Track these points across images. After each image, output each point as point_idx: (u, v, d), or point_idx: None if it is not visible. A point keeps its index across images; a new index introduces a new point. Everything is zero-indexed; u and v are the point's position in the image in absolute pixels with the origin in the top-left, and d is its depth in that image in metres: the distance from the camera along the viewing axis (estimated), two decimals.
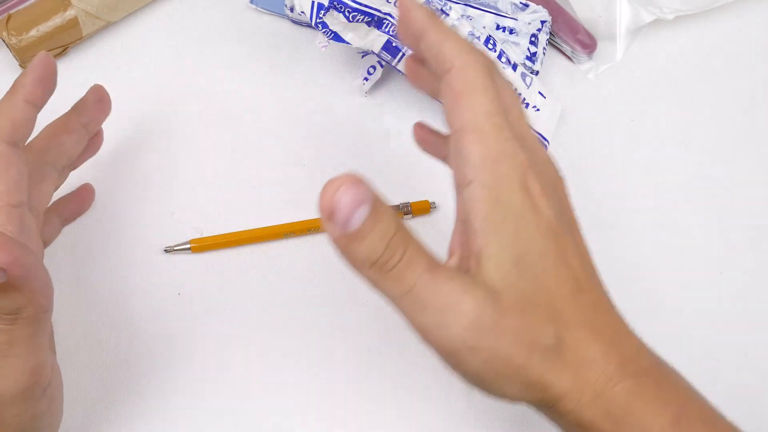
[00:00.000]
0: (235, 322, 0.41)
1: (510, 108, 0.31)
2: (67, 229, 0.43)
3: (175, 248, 0.43)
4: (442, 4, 0.45)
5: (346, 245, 0.27)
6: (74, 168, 0.42)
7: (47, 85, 0.35)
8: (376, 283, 0.28)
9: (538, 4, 0.50)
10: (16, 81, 0.35)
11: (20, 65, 0.47)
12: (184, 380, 0.40)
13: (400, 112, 0.49)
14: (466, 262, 0.29)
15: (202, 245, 0.43)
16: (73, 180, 0.45)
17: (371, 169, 0.46)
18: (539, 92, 0.47)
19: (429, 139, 0.38)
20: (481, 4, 0.48)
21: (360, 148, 0.47)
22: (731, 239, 0.46)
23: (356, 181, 0.26)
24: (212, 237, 0.43)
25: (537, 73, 0.48)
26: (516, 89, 0.33)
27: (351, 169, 0.46)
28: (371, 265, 0.27)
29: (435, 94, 0.35)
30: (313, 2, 0.43)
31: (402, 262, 0.27)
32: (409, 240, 0.28)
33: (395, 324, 0.42)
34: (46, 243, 0.41)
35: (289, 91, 0.49)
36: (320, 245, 0.44)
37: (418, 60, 0.35)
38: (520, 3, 0.49)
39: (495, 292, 0.28)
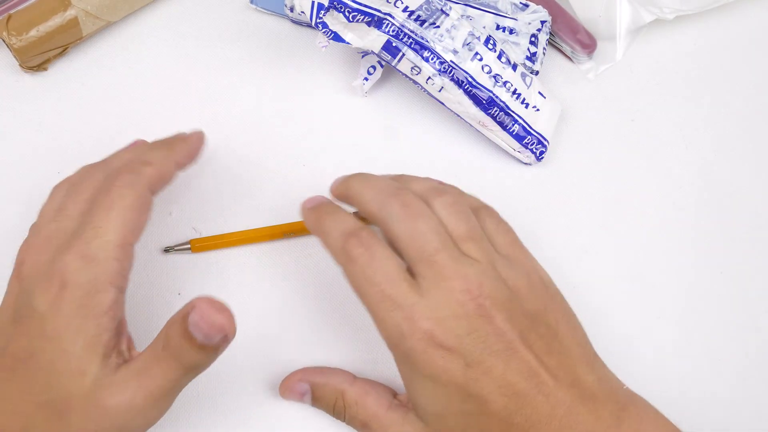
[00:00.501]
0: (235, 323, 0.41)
1: (413, 259, 0.34)
2: None
3: (175, 248, 0.43)
4: (442, 4, 0.45)
5: (314, 406, 0.39)
6: None
7: (193, 157, 0.40)
8: (342, 422, 0.38)
9: (538, 4, 0.50)
10: (174, 141, 0.39)
11: (20, 65, 0.47)
12: None
13: (400, 112, 0.49)
14: (408, 401, 0.36)
15: (202, 245, 0.43)
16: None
17: (371, 169, 0.46)
18: (539, 92, 0.47)
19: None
20: (481, 4, 0.48)
21: (360, 148, 0.47)
22: (731, 239, 0.46)
23: (296, 378, 0.39)
24: (212, 237, 0.43)
25: (537, 73, 0.48)
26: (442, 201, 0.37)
27: (351, 168, 0.47)
28: (331, 414, 0.38)
29: None
30: (313, 2, 0.43)
31: (346, 420, 0.37)
32: (346, 406, 0.37)
33: None
34: None
35: (288, 91, 0.49)
36: (320, 245, 0.44)
37: None
38: (520, 3, 0.49)
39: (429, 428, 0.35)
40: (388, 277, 0.34)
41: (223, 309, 0.32)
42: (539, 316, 0.35)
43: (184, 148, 0.38)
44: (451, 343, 0.33)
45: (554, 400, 0.33)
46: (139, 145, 0.41)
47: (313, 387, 0.38)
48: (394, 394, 0.38)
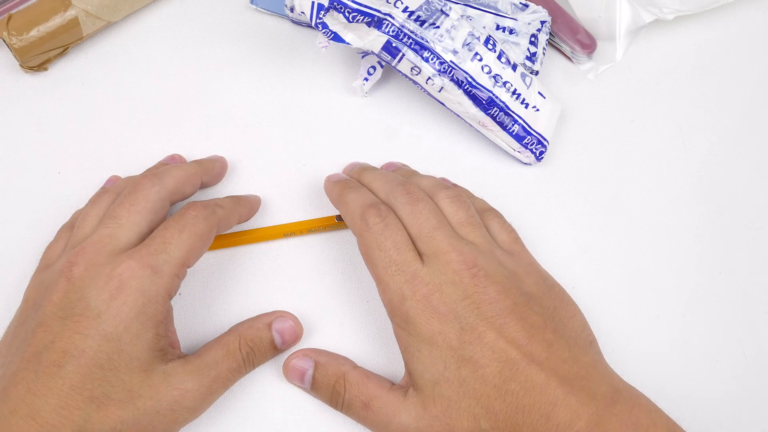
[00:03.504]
0: (235, 322, 0.41)
1: (417, 235, 0.38)
2: None
3: None
4: (442, 4, 0.45)
5: (310, 393, 0.39)
6: None
7: (218, 180, 0.45)
8: (338, 410, 0.38)
9: (537, 5, 0.50)
10: (241, 198, 0.42)
11: (21, 65, 0.47)
12: None
13: (400, 112, 0.49)
14: (407, 381, 0.37)
15: None
16: (77, 180, 0.45)
17: None
18: (539, 92, 0.47)
19: None
20: (481, 4, 0.48)
21: (360, 148, 0.47)
22: (731, 239, 0.46)
23: (301, 355, 0.39)
24: None
25: (537, 73, 0.48)
26: (440, 192, 0.41)
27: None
28: (328, 403, 0.38)
29: None
30: (313, 2, 0.43)
31: (344, 402, 0.37)
32: (346, 386, 0.37)
33: None
34: None
35: (289, 91, 0.49)
36: (320, 245, 0.44)
37: None
38: (520, 3, 0.49)
39: (423, 408, 0.35)
40: (397, 245, 0.37)
41: (300, 328, 0.40)
42: (536, 298, 0.37)
43: (247, 206, 0.42)
44: (446, 307, 0.35)
45: (549, 371, 0.34)
46: (177, 160, 0.45)
47: (316, 365, 0.39)
48: (392, 383, 0.38)
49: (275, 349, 0.39)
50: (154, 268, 0.35)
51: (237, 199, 0.42)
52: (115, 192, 0.40)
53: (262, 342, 0.39)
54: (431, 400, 0.35)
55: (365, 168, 0.44)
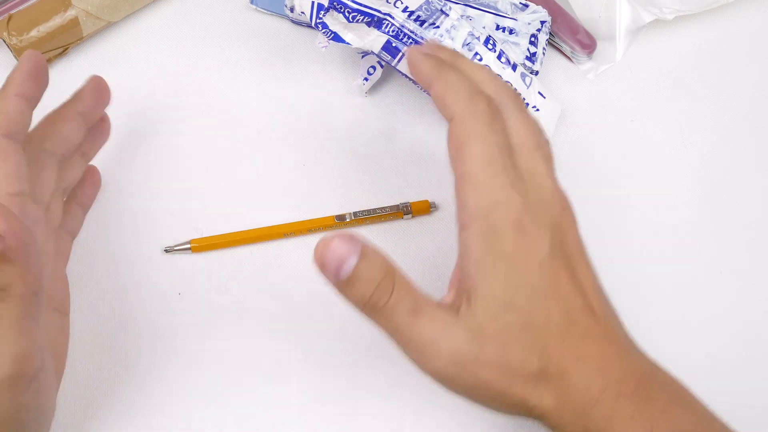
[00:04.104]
0: (235, 322, 0.41)
1: (519, 146, 0.34)
2: None
3: (175, 248, 0.43)
4: (442, 4, 0.45)
5: (341, 289, 0.32)
6: (88, 158, 0.43)
7: (37, 79, 0.36)
8: (371, 318, 0.32)
9: (537, 5, 0.50)
10: (7, 78, 0.36)
11: None
12: (184, 380, 0.40)
13: (400, 112, 0.49)
14: (459, 299, 0.32)
15: (202, 245, 0.43)
16: None
17: (371, 169, 0.46)
18: (539, 92, 0.47)
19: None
20: (480, 4, 0.48)
21: (360, 148, 0.47)
22: (731, 239, 0.46)
23: (345, 236, 0.31)
24: (212, 237, 0.43)
25: (537, 73, 0.48)
26: (537, 121, 0.37)
27: (351, 168, 0.47)
28: (363, 305, 0.32)
29: None
30: (313, 2, 0.43)
31: (388, 304, 0.31)
32: (395, 285, 0.32)
33: None
34: (72, 234, 0.42)
35: (289, 91, 0.49)
36: (319, 246, 0.44)
37: None
38: (520, 3, 0.49)
39: (479, 328, 0.31)
40: (501, 145, 0.33)
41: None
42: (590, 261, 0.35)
43: (16, 76, 0.36)
44: (534, 230, 0.32)
45: (605, 328, 0.33)
46: (95, 80, 0.41)
47: (362, 255, 0.31)
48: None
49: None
50: None
51: (5, 82, 0.36)
52: None
53: None
54: (491, 323, 0.31)
55: (459, 54, 0.37)
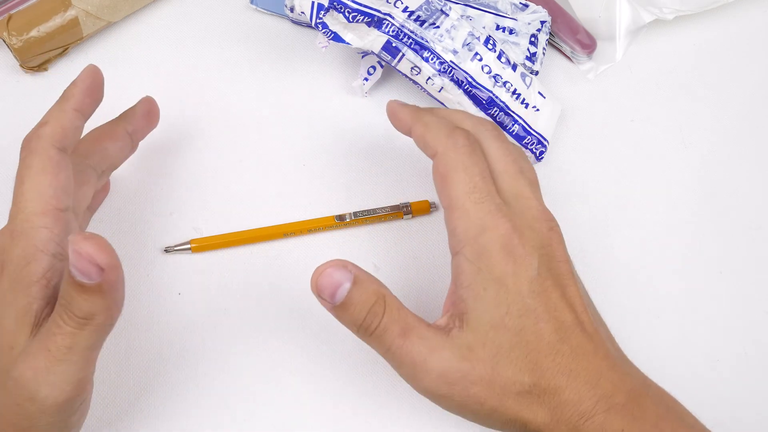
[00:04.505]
0: (235, 322, 0.41)
1: (502, 172, 0.36)
2: None
3: (175, 248, 0.43)
4: (442, 4, 0.45)
5: (336, 314, 0.34)
6: (92, 212, 0.43)
7: (95, 95, 0.37)
8: (364, 340, 0.34)
9: (537, 5, 0.50)
10: (65, 90, 0.36)
11: (21, 65, 0.47)
12: (184, 380, 0.40)
13: None
14: (452, 322, 0.34)
15: (202, 245, 0.43)
16: None
17: (371, 169, 0.46)
18: (539, 92, 0.47)
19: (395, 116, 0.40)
20: (480, 4, 0.48)
21: (360, 148, 0.47)
22: (731, 239, 0.46)
23: (339, 264, 0.33)
24: (212, 237, 0.43)
25: (537, 73, 0.48)
26: (520, 147, 0.39)
27: (351, 168, 0.47)
28: (357, 328, 0.34)
29: None
30: (313, 2, 0.43)
31: (379, 328, 0.33)
32: (386, 308, 0.33)
33: None
34: None
35: (289, 91, 0.49)
36: (320, 245, 0.44)
37: None
38: (520, 3, 0.49)
39: (469, 349, 0.33)
40: (483, 173, 0.35)
41: (92, 238, 0.29)
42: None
43: (77, 92, 0.36)
44: (523, 251, 0.33)
45: (597, 343, 0.34)
46: (147, 100, 0.42)
47: (355, 280, 0.33)
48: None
49: (87, 289, 0.29)
50: (15, 233, 0.32)
51: (62, 96, 0.36)
52: None
53: (68, 288, 0.30)
54: (481, 343, 0.33)
55: (435, 107, 0.40)
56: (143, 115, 0.41)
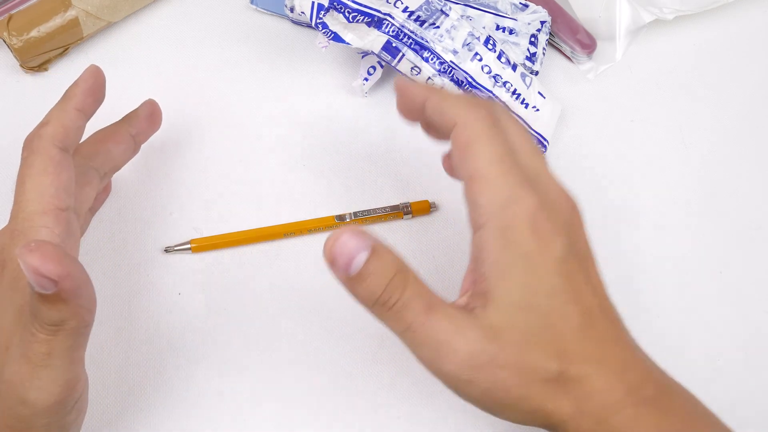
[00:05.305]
0: (235, 322, 0.41)
1: (520, 149, 0.33)
2: None
3: (175, 248, 0.43)
4: (442, 4, 0.45)
5: (350, 286, 0.30)
6: (94, 213, 0.43)
7: (97, 95, 0.37)
8: (380, 319, 0.31)
9: (537, 5, 0.50)
10: (67, 90, 0.36)
11: (21, 66, 0.47)
12: (184, 380, 0.40)
13: None
14: (474, 301, 0.31)
15: (202, 245, 0.43)
16: None
17: (371, 168, 0.46)
18: (539, 92, 0.47)
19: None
20: (480, 4, 0.48)
21: (360, 148, 0.47)
22: (731, 239, 0.46)
23: (356, 231, 0.30)
24: (212, 237, 0.43)
25: (537, 73, 0.48)
26: (528, 128, 0.36)
27: (351, 168, 0.47)
28: (373, 303, 0.30)
29: None
30: (313, 2, 0.43)
31: (399, 302, 0.30)
32: (408, 282, 0.30)
33: None
34: (80, 236, 0.42)
35: (289, 92, 0.49)
36: (320, 245, 0.44)
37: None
38: (520, 3, 0.49)
39: (496, 330, 0.30)
40: (506, 144, 0.32)
41: (38, 249, 0.27)
42: None
43: (78, 91, 0.36)
44: (550, 228, 0.31)
45: (619, 331, 0.32)
46: (150, 102, 0.42)
47: (373, 251, 0.30)
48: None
49: (48, 299, 0.29)
50: (16, 233, 0.32)
51: (64, 96, 0.36)
52: None
53: (33, 300, 0.29)
54: (508, 324, 0.30)
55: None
56: (146, 118, 0.41)
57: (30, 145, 0.34)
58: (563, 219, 0.32)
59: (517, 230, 0.31)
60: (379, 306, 0.30)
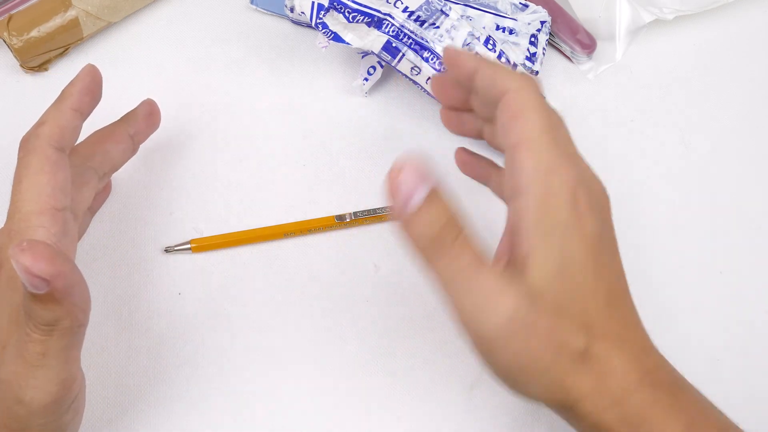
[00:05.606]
0: (235, 322, 0.41)
1: (558, 128, 0.33)
2: None
3: (175, 248, 0.43)
4: (442, 4, 0.45)
5: (406, 221, 0.30)
6: (93, 213, 0.43)
7: (93, 94, 0.37)
8: (430, 261, 0.30)
9: (537, 5, 0.50)
10: (64, 90, 0.36)
11: (21, 66, 0.47)
12: (184, 380, 0.40)
13: (400, 112, 0.49)
14: (512, 266, 0.31)
15: (202, 245, 0.43)
16: None
17: (371, 169, 0.46)
18: None
19: (470, 162, 0.40)
20: (480, 4, 0.48)
21: (360, 148, 0.47)
22: (731, 239, 0.46)
23: (418, 165, 0.29)
24: (212, 237, 0.43)
25: (537, 73, 0.48)
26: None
27: (351, 168, 0.47)
28: (427, 242, 0.30)
29: (477, 135, 0.39)
30: (313, 3, 0.43)
31: (456, 243, 0.30)
32: (462, 230, 0.30)
33: (395, 323, 0.42)
34: (80, 237, 0.42)
35: (289, 91, 0.49)
36: (320, 245, 0.44)
37: (455, 108, 0.39)
38: (520, 3, 0.49)
39: (536, 294, 0.30)
40: (551, 118, 0.33)
41: (30, 248, 0.27)
42: None
43: (74, 91, 0.36)
44: (586, 204, 0.31)
45: (638, 316, 0.33)
46: (148, 102, 0.42)
47: (432, 195, 0.30)
48: None
49: (41, 299, 0.29)
50: (13, 232, 0.32)
51: (60, 95, 0.36)
52: None
53: (27, 300, 0.29)
54: (547, 291, 0.30)
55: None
56: (144, 118, 0.41)
57: (26, 144, 0.34)
58: (597, 200, 0.33)
59: (557, 199, 0.31)
60: (433, 246, 0.30)
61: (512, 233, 0.32)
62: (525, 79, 0.33)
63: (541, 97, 0.33)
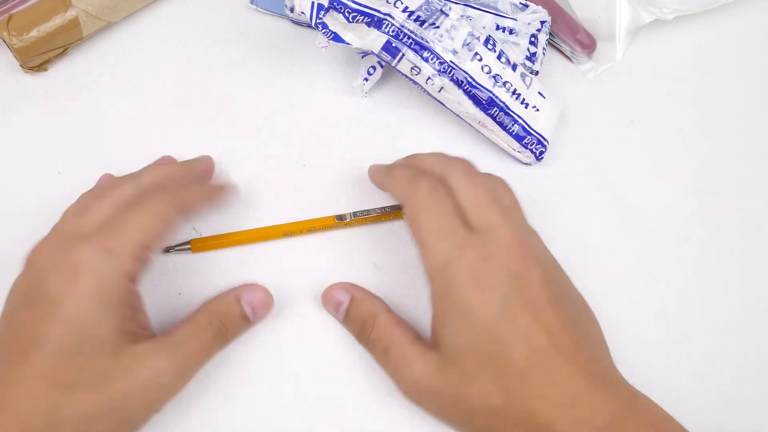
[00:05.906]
0: None
1: (472, 207, 0.37)
2: None
3: (175, 248, 0.43)
4: (442, 4, 0.45)
5: (342, 320, 0.41)
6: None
7: (204, 178, 0.43)
8: (361, 341, 0.40)
9: (537, 5, 0.50)
10: (212, 186, 0.42)
11: (21, 65, 0.47)
12: None
13: (400, 112, 0.49)
14: (430, 342, 0.37)
15: (202, 245, 0.43)
16: (77, 180, 0.45)
17: None
18: (539, 92, 0.47)
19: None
20: (480, 4, 0.48)
21: (360, 148, 0.47)
22: (731, 239, 0.46)
23: (341, 287, 0.41)
24: (212, 237, 0.43)
25: (537, 73, 0.48)
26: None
27: (351, 168, 0.47)
28: (356, 329, 0.40)
29: None
30: (313, 2, 0.43)
31: (369, 340, 0.39)
32: (374, 326, 0.39)
33: None
34: None
35: (289, 91, 0.49)
36: (320, 245, 0.44)
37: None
38: (520, 3, 0.49)
39: (440, 369, 0.35)
40: (447, 211, 0.37)
41: (266, 290, 0.40)
42: (570, 295, 0.37)
43: (219, 195, 0.41)
44: (491, 279, 0.35)
45: (575, 365, 0.33)
46: (167, 161, 0.44)
47: (351, 300, 0.40)
48: (419, 336, 0.38)
49: (247, 321, 0.39)
50: (106, 250, 0.34)
51: (207, 187, 0.42)
52: (98, 189, 0.40)
53: (232, 315, 0.39)
54: (450, 366, 0.35)
55: (415, 153, 0.43)
56: (204, 172, 0.44)
57: (163, 193, 0.37)
58: (509, 266, 0.35)
59: (458, 288, 0.35)
60: (360, 331, 0.40)
61: (431, 319, 0.37)
62: (413, 186, 0.38)
63: (431, 197, 0.37)
